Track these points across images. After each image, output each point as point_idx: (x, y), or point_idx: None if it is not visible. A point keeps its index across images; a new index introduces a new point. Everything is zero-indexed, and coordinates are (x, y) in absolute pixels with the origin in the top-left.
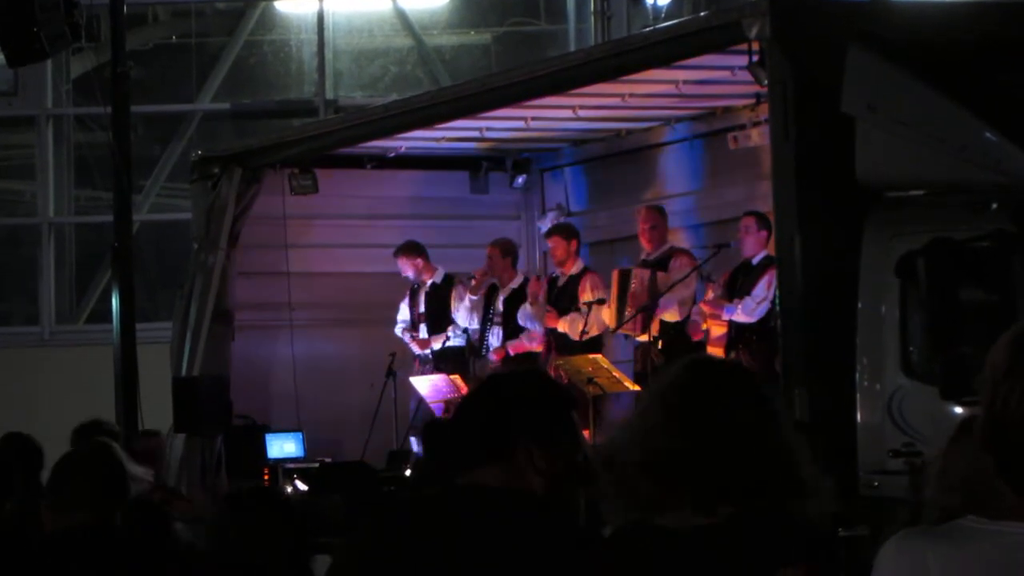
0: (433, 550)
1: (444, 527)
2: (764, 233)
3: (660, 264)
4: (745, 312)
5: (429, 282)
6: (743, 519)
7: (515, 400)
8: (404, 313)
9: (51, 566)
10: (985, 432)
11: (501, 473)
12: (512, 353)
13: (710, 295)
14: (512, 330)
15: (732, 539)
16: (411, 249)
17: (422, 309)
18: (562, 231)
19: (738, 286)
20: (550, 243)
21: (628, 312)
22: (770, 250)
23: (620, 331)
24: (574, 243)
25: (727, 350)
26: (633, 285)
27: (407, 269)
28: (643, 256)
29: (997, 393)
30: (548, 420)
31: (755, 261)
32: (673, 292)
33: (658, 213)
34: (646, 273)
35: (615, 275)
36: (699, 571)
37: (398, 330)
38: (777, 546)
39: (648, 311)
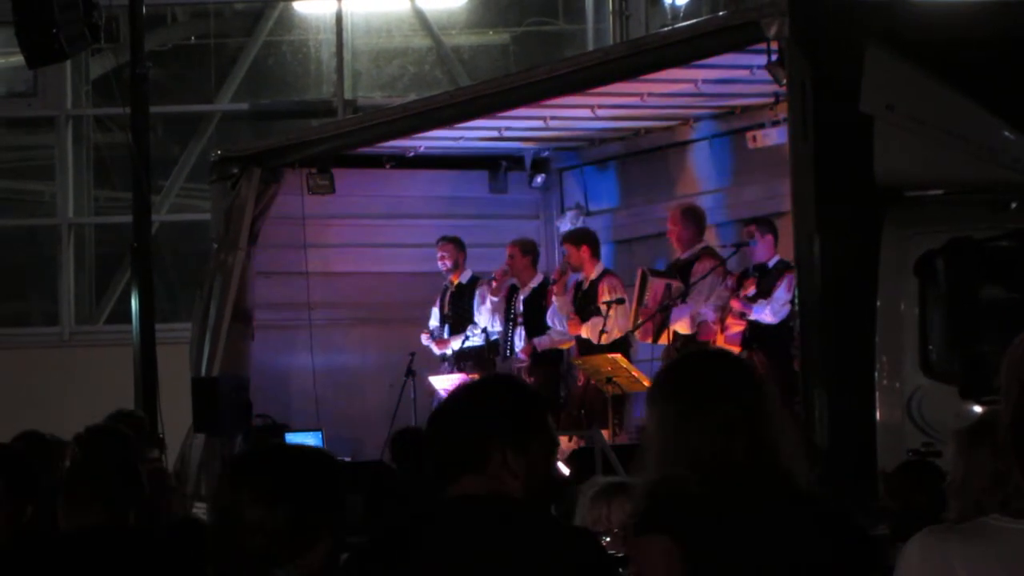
0: (435, 567)
1: (443, 542)
2: (769, 237)
3: (688, 266)
4: (772, 313)
5: (456, 282)
6: None
7: (486, 407)
8: (435, 316)
9: (63, 566)
10: (1009, 433)
11: (482, 480)
12: (540, 350)
13: (751, 290)
14: (535, 328)
15: None
16: (454, 241)
17: (447, 310)
18: (571, 238)
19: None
20: (565, 250)
21: (640, 318)
22: (781, 253)
23: (635, 336)
24: (585, 248)
25: (742, 348)
26: (647, 298)
27: (441, 259)
28: (675, 256)
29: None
30: (520, 424)
31: (771, 264)
32: (686, 304)
33: (683, 214)
34: (660, 286)
35: (639, 273)
36: None
37: (424, 338)
38: None
39: (660, 317)
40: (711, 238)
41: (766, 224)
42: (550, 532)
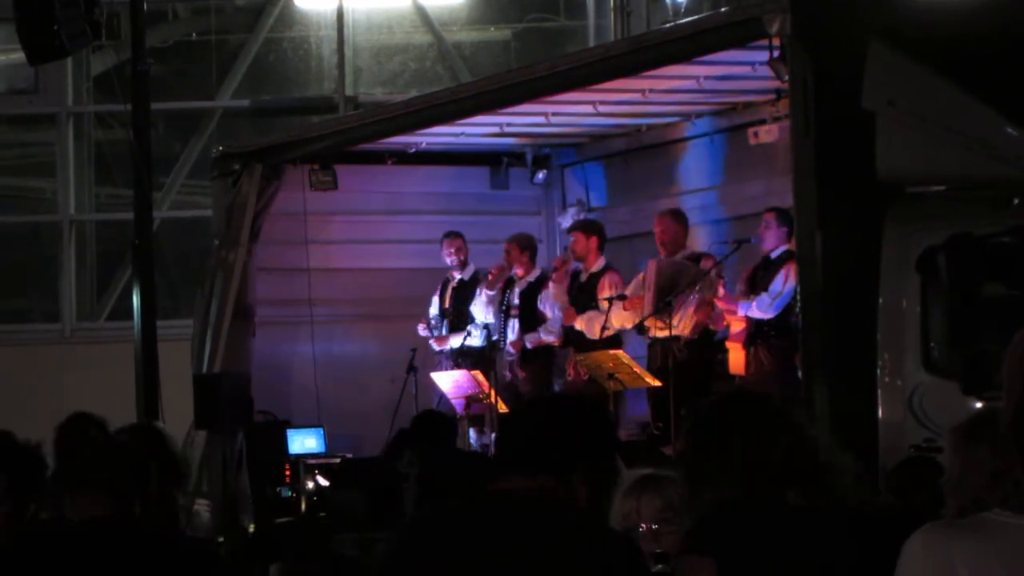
0: (493, 555)
1: (478, 534)
2: (784, 229)
3: None
4: (760, 308)
5: (457, 277)
6: None
7: (573, 423)
8: (434, 307)
9: (67, 560)
10: (1011, 430)
11: (535, 480)
12: (529, 346)
13: (721, 291)
14: (529, 323)
15: None
16: (462, 236)
17: (448, 304)
18: (583, 227)
19: (757, 281)
20: (572, 238)
21: (674, 301)
22: (791, 246)
23: (650, 320)
24: (594, 239)
25: (746, 346)
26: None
27: (456, 252)
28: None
29: None
30: (602, 441)
31: (774, 256)
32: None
33: (673, 216)
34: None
35: (653, 265)
36: None
37: (421, 328)
38: None
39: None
40: (712, 234)
41: (784, 215)
42: (589, 533)
